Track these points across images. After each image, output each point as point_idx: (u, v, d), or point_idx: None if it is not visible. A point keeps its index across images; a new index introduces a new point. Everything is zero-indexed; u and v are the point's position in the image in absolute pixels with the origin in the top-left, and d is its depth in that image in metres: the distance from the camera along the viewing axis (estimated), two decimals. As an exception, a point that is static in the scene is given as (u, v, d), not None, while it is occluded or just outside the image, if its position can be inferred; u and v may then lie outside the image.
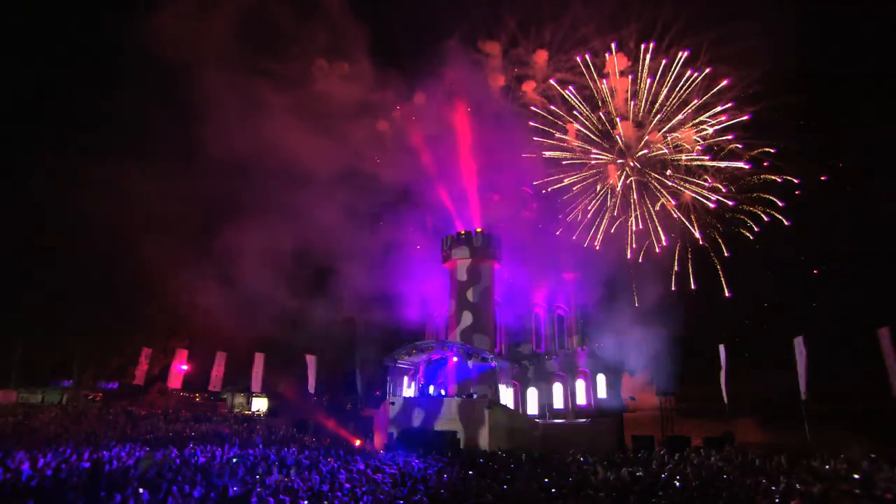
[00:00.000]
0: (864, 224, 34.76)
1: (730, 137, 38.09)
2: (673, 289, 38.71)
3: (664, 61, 38.24)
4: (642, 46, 38.22)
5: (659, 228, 38.91)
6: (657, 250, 38.87)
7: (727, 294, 37.98)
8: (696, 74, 37.87)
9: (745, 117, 37.49)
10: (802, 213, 36.93)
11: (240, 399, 56.39)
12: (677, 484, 13.79)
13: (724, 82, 37.36)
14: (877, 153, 35.32)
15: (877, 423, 22.05)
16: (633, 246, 38.56)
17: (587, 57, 39.40)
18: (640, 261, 38.69)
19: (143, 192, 36.35)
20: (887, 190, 32.49)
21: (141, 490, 10.10)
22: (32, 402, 41.37)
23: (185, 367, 44.67)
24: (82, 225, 35.47)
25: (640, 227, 38.46)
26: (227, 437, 22.64)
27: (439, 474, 15.11)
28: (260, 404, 54.45)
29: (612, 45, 38.69)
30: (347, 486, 13.01)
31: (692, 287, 38.87)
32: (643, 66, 39.02)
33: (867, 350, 20.44)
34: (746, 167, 37.79)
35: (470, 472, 15.20)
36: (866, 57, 36.03)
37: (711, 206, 38.36)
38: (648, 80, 38.79)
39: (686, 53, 37.78)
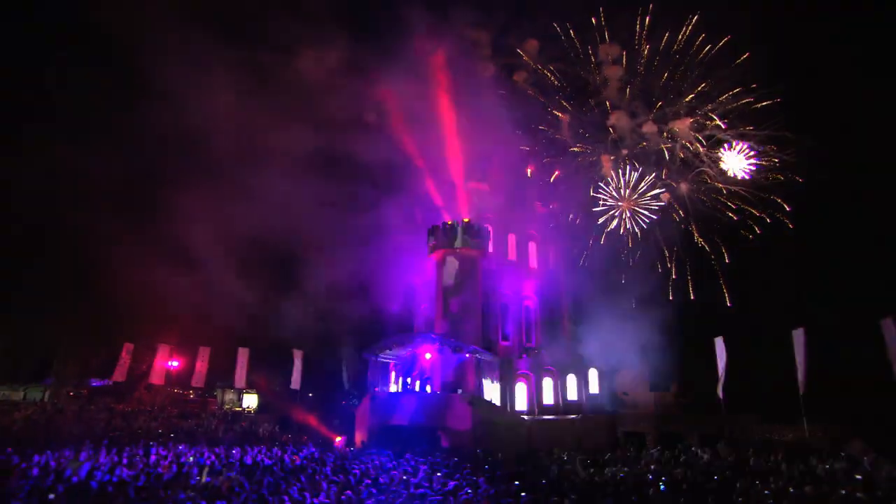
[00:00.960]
0: (864, 213, 33.72)
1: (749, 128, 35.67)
2: (671, 298, 37.64)
3: (667, 34, 35.86)
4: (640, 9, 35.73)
5: (664, 250, 37.38)
6: (660, 269, 37.62)
7: (728, 304, 36.80)
8: (707, 46, 34.79)
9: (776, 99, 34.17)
10: (803, 205, 35.73)
11: (230, 395, 55.59)
12: (662, 487, 12.69)
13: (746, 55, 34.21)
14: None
15: (879, 416, 21.02)
16: (630, 242, 37.30)
17: (573, 35, 37.75)
18: (633, 266, 37.51)
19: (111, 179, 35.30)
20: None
21: (51, 496, 9.06)
22: (14, 400, 40.56)
23: (175, 364, 43.88)
24: (55, 218, 34.50)
25: (640, 234, 36.93)
26: (196, 435, 21.66)
27: (406, 475, 14.04)
28: (251, 401, 53.69)
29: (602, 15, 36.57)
30: (297, 486, 12.05)
31: (691, 297, 37.74)
32: (640, 37, 36.92)
33: (869, 341, 19.25)
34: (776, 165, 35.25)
35: (437, 474, 14.10)
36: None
37: (734, 217, 36.36)
38: (647, 51, 36.51)
39: (697, 16, 34.75)
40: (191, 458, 15.94)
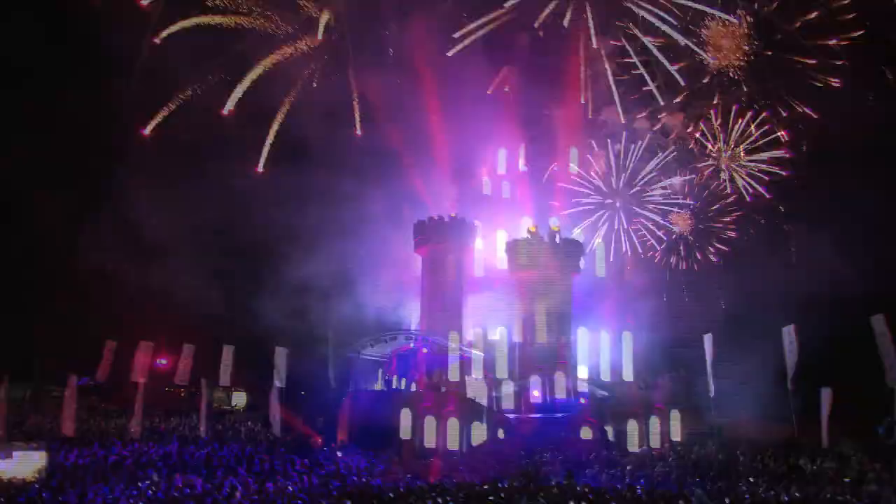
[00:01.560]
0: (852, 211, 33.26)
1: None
2: (664, 298, 37.09)
3: None
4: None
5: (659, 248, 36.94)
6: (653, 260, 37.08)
7: (723, 306, 36.30)
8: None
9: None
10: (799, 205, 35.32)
11: (219, 394, 54.97)
12: (639, 491, 12.12)
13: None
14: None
15: (871, 415, 20.60)
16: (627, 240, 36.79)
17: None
18: (628, 268, 36.98)
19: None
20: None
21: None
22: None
23: (164, 362, 43.15)
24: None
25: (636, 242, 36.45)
26: (165, 435, 21.12)
27: (371, 476, 13.50)
28: (239, 399, 53.13)
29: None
30: (255, 486, 11.54)
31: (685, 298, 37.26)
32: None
33: (860, 339, 18.72)
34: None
35: (409, 476, 13.55)
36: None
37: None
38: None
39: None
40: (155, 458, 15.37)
